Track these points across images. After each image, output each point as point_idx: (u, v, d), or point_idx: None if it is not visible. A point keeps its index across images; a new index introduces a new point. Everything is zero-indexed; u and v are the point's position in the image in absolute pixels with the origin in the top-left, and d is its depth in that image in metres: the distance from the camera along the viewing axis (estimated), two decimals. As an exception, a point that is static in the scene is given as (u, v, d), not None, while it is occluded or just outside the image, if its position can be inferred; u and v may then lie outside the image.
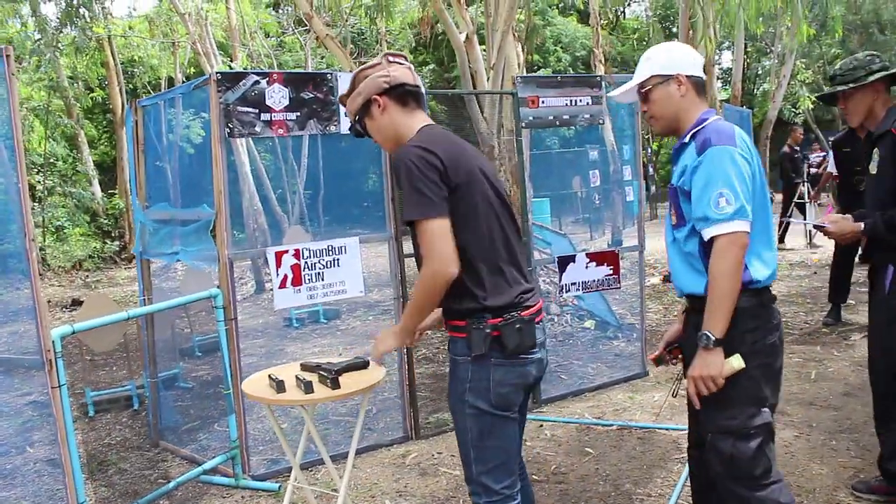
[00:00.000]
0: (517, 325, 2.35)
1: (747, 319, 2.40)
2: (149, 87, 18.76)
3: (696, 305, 2.52)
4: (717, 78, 13.36)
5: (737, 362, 2.37)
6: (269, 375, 3.09)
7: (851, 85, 3.43)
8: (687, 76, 2.52)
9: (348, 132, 2.68)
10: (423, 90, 2.53)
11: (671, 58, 2.55)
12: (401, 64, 2.50)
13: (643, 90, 2.59)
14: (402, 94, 2.46)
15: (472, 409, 2.39)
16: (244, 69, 11.70)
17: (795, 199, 11.69)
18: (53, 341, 3.12)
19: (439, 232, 2.25)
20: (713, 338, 2.34)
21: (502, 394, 2.36)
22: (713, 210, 2.31)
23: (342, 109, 4.42)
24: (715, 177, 2.32)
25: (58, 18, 12.21)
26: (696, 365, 2.40)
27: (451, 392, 2.47)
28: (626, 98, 2.73)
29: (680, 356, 2.79)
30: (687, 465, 4.02)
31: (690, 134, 2.48)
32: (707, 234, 2.35)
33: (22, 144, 3.08)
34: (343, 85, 4.41)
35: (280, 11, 19.06)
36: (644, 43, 24.42)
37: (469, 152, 2.44)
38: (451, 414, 2.54)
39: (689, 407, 2.63)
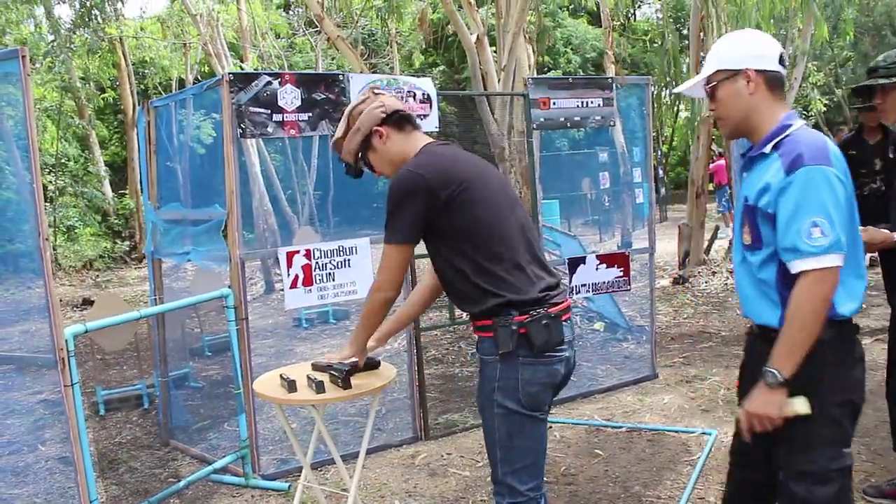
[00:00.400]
0: (544, 322, 2.34)
1: (829, 352, 2.14)
2: (160, 88, 18.83)
3: (767, 336, 2.25)
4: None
5: (802, 406, 2.11)
6: (281, 375, 3.09)
7: (895, 79, 3.21)
8: (757, 70, 2.21)
9: (346, 174, 2.70)
10: (411, 114, 2.62)
11: (739, 49, 2.26)
12: (385, 94, 2.59)
13: (709, 86, 2.31)
14: (399, 120, 2.52)
15: (500, 408, 2.38)
16: (255, 70, 11.75)
17: None
18: (66, 340, 3.14)
19: (396, 258, 2.43)
20: (780, 378, 2.08)
21: (531, 393, 2.36)
22: (804, 241, 2.03)
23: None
24: (808, 203, 2.04)
25: (71, 21, 12.28)
26: (754, 400, 2.15)
27: (480, 391, 2.47)
28: (694, 93, 2.46)
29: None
30: (696, 467, 4.03)
31: (773, 143, 2.18)
32: (795, 267, 2.07)
33: (37, 144, 3.10)
34: (356, 86, 4.43)
35: (291, 13, 19.13)
36: (655, 45, 24.37)
37: (468, 160, 2.48)
38: (479, 413, 2.54)
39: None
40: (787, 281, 2.13)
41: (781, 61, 2.25)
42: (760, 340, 2.31)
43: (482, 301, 2.38)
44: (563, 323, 2.42)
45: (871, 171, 5.23)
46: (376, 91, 2.56)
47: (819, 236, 2.02)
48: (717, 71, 2.26)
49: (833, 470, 2.15)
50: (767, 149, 2.18)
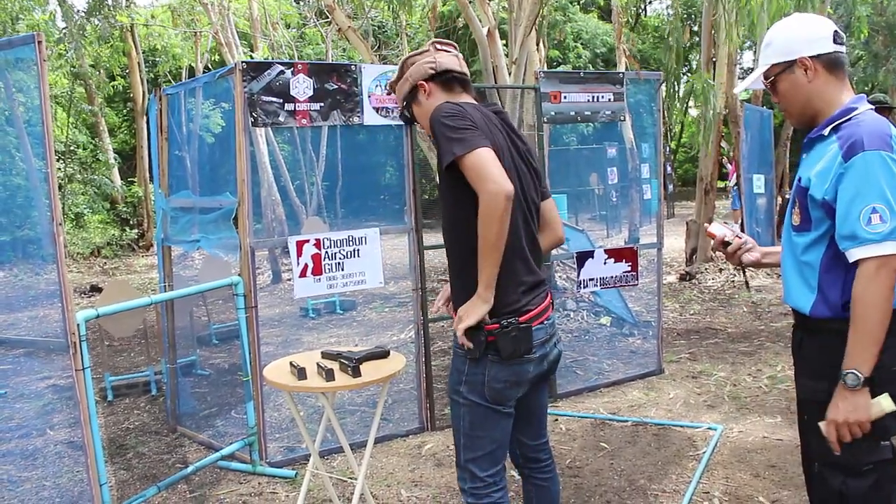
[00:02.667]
0: (512, 334, 2.31)
1: None
2: (170, 77, 18.85)
3: (800, 322, 2.26)
4: (739, 78, 13.27)
5: (887, 403, 2.01)
6: (291, 363, 3.12)
7: None
8: (812, 56, 2.14)
9: (398, 118, 2.71)
10: (469, 77, 2.55)
11: (789, 38, 2.18)
12: (448, 52, 2.52)
13: (768, 81, 2.25)
14: (448, 80, 2.49)
15: (465, 400, 2.41)
16: (265, 60, 11.75)
17: None
18: (78, 324, 3.16)
19: (486, 157, 2.18)
20: (861, 377, 1.98)
21: (497, 389, 2.37)
22: (863, 228, 1.97)
23: (366, 101, 4.45)
24: (867, 189, 1.98)
25: (85, 9, 12.28)
26: (840, 408, 2.03)
27: (450, 379, 2.51)
28: (757, 86, 2.38)
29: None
30: (701, 461, 4.04)
31: (833, 125, 2.12)
32: (853, 255, 2.00)
33: (51, 130, 3.12)
34: (367, 76, 4.44)
35: (301, 3, 19.10)
36: (665, 40, 24.29)
37: (502, 131, 2.41)
38: (448, 399, 2.57)
39: (800, 421, 2.33)
40: (830, 266, 2.10)
41: (837, 39, 2.16)
42: (798, 328, 2.29)
43: (465, 293, 2.33)
44: (535, 328, 2.38)
45: None
46: (437, 46, 2.53)
47: (878, 223, 1.96)
48: (773, 65, 2.21)
49: (869, 462, 2.08)
50: (826, 131, 2.13)
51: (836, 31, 2.17)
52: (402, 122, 4.52)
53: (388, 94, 4.49)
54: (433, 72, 2.48)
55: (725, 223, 2.58)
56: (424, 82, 2.48)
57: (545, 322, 2.44)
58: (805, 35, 2.16)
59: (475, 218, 2.20)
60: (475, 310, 2.27)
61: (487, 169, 2.15)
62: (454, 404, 2.48)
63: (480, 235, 2.18)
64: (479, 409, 2.40)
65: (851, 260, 2.02)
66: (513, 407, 2.45)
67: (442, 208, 2.43)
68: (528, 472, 2.71)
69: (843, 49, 2.18)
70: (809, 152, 2.21)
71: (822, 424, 2.11)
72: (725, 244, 2.52)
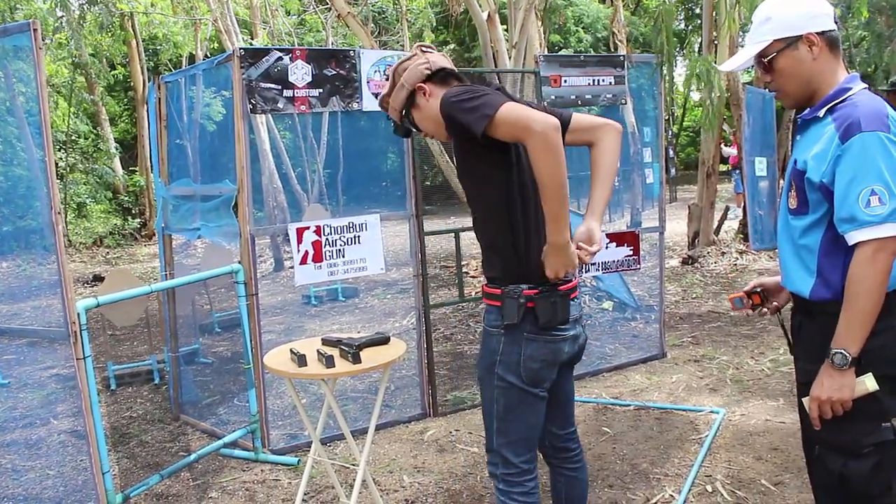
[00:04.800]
0: (552, 299, 2.32)
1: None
2: (170, 65, 18.80)
3: (800, 306, 2.25)
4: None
5: (871, 383, 2.03)
6: (291, 350, 3.12)
7: None
8: (819, 33, 2.08)
9: (395, 133, 2.64)
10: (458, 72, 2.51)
11: (794, 12, 2.10)
12: (434, 51, 2.50)
13: (766, 59, 2.16)
14: (444, 78, 2.45)
15: (501, 381, 2.37)
16: (264, 47, 11.71)
17: None
18: (78, 313, 3.16)
19: (515, 107, 2.12)
20: (849, 357, 2.00)
21: (533, 369, 2.34)
22: (862, 210, 1.95)
23: (365, 86, 4.42)
24: (865, 171, 1.95)
25: (87, 1, 12.25)
26: (825, 386, 2.06)
27: (480, 363, 2.46)
28: (741, 67, 2.31)
29: (758, 303, 2.47)
30: (703, 445, 4.04)
31: (828, 107, 2.09)
32: (852, 238, 1.99)
33: (49, 119, 3.11)
34: (366, 62, 4.41)
35: (301, -11, 19.01)
36: (656, 23, 24.14)
37: None
38: (478, 383, 2.53)
39: (800, 404, 2.28)
40: (829, 250, 2.09)
41: (835, 17, 2.13)
42: (797, 311, 2.27)
43: (500, 264, 2.34)
44: (571, 302, 2.41)
45: None
46: (423, 49, 2.50)
47: (877, 205, 1.94)
48: (775, 41, 2.12)
49: (868, 444, 2.08)
50: (821, 112, 2.10)
51: (833, 12, 2.14)
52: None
53: (387, 79, 4.47)
54: (429, 72, 2.43)
55: (740, 294, 2.48)
56: (423, 84, 2.43)
57: (576, 300, 2.45)
58: (809, 10, 2.10)
59: (504, 194, 2.28)
60: (561, 257, 2.23)
61: (523, 114, 2.10)
62: (486, 387, 2.44)
63: (543, 177, 2.12)
64: (514, 391, 2.37)
65: (851, 243, 2.00)
66: (547, 390, 2.43)
67: (468, 192, 2.43)
68: (557, 463, 2.67)
69: (838, 31, 2.13)
70: (804, 134, 2.17)
71: (805, 400, 2.14)
72: (754, 306, 2.49)
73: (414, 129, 2.56)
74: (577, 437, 2.70)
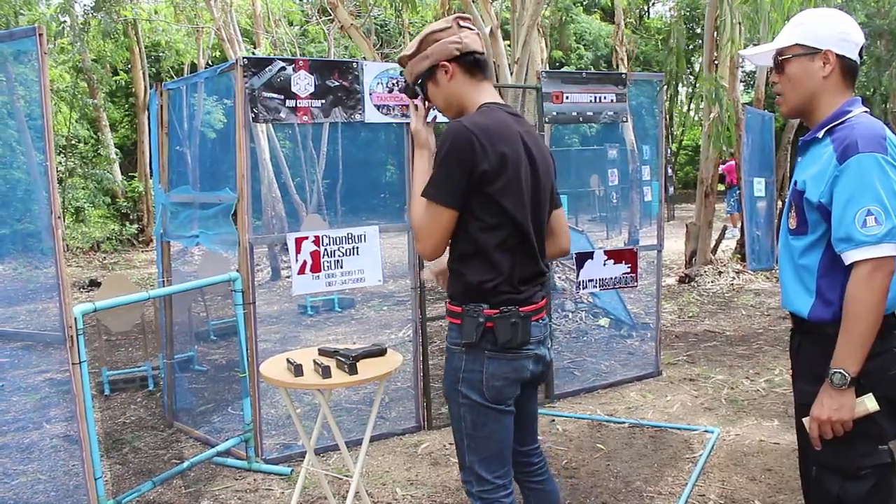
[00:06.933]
0: (512, 320, 2.29)
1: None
2: (172, 72, 18.84)
3: (798, 326, 2.26)
4: (741, 81, 13.28)
5: (871, 403, 2.04)
6: (288, 359, 3.11)
7: None
8: (838, 55, 2.12)
9: (401, 92, 2.58)
10: (487, 59, 2.45)
11: (826, 28, 2.14)
12: (471, 29, 2.41)
13: (781, 58, 2.20)
14: (472, 63, 2.38)
15: (465, 399, 2.35)
16: (266, 56, 11.74)
17: None
18: (76, 318, 3.15)
19: (443, 221, 2.26)
20: (849, 377, 2.00)
21: (496, 387, 2.32)
22: (859, 230, 1.97)
23: (367, 98, 4.43)
24: (862, 191, 1.98)
25: (91, 4, 12.30)
26: (824, 406, 2.06)
27: (445, 379, 2.44)
28: (760, 60, 2.34)
29: None
30: (697, 464, 4.04)
31: (827, 128, 2.12)
32: (849, 257, 2.01)
33: (51, 123, 3.11)
34: (369, 74, 4.43)
35: (304, 0, 19.09)
36: (666, 43, 24.28)
37: (518, 138, 2.34)
38: (445, 399, 2.51)
39: (798, 425, 2.30)
40: (828, 270, 2.10)
41: (861, 54, 2.17)
42: (796, 332, 2.28)
43: (464, 284, 2.33)
44: (533, 323, 2.36)
45: None
46: (462, 24, 2.40)
47: (874, 225, 1.96)
48: (796, 45, 2.16)
49: (866, 467, 2.09)
50: (821, 134, 2.13)
51: (863, 47, 2.19)
52: (404, 121, 4.52)
53: (390, 91, 4.49)
54: (458, 53, 2.35)
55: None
56: (448, 62, 2.36)
57: (541, 321, 2.41)
58: (840, 32, 2.14)
59: (473, 223, 2.29)
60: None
61: (435, 231, 2.27)
62: (452, 404, 2.42)
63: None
64: (479, 409, 2.34)
65: (847, 262, 2.02)
66: (513, 404, 2.40)
67: None
68: (522, 478, 2.65)
69: (858, 61, 2.17)
70: (804, 155, 2.21)
71: (805, 420, 2.14)
72: None
73: (422, 96, 2.49)
74: (541, 451, 2.68)
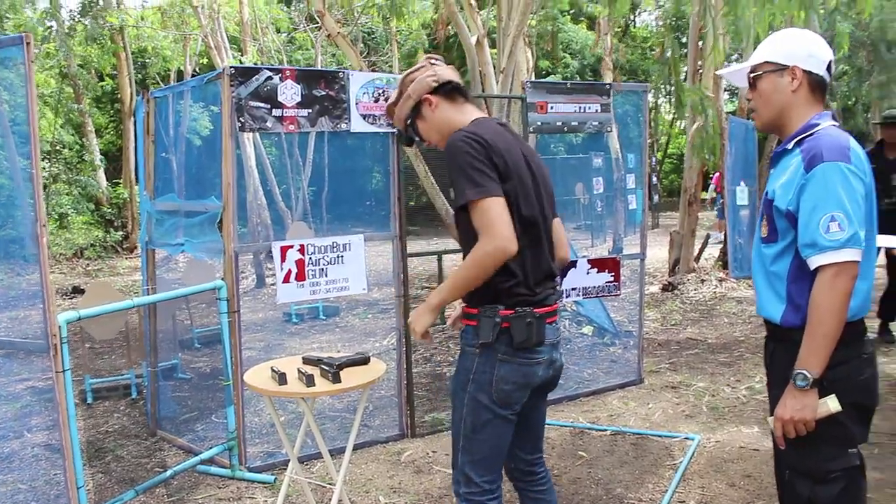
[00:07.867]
0: (527, 320, 2.36)
1: (835, 350, 2.09)
2: (158, 79, 18.79)
3: (771, 332, 2.35)
4: (725, 90, 13.41)
5: (833, 404, 2.10)
6: (272, 368, 3.13)
7: None
8: (804, 70, 2.22)
9: (400, 143, 2.72)
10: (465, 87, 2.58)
11: (792, 46, 2.25)
12: (443, 64, 2.56)
13: (752, 75, 2.31)
14: (451, 91, 2.52)
15: (471, 400, 2.41)
16: (255, 64, 11.75)
17: None
18: (59, 326, 3.16)
19: (500, 210, 2.25)
20: (811, 378, 2.07)
21: (505, 390, 2.38)
22: (823, 236, 2.05)
23: (353, 108, 4.46)
24: (826, 198, 2.06)
25: (79, 10, 12.28)
26: (787, 406, 2.14)
27: (455, 379, 2.51)
28: (735, 79, 2.45)
29: None
30: (678, 471, 4.08)
31: (796, 140, 2.22)
32: (814, 262, 2.08)
33: (37, 130, 3.12)
34: (355, 83, 4.46)
35: (292, 7, 19.11)
36: (653, 52, 24.42)
37: (516, 146, 2.45)
38: (450, 398, 2.57)
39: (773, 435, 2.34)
40: (797, 276, 2.17)
41: (829, 69, 2.27)
42: (770, 338, 2.36)
43: (482, 285, 2.36)
44: (548, 325, 2.44)
45: (889, 187, 5.33)
46: (432, 61, 2.56)
47: (837, 230, 2.04)
48: (766, 62, 2.27)
49: (835, 470, 2.16)
50: (790, 145, 2.23)
51: (831, 62, 2.28)
52: (390, 131, 4.55)
53: (376, 101, 4.51)
54: (436, 84, 2.50)
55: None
56: (429, 95, 2.50)
57: (554, 324, 2.49)
58: (808, 50, 2.24)
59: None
60: (426, 316, 2.43)
61: (499, 222, 2.23)
62: (457, 404, 2.48)
63: (459, 272, 2.31)
64: (483, 411, 2.41)
65: (812, 267, 2.10)
66: (516, 414, 2.46)
67: (460, 230, 2.48)
68: (524, 486, 2.71)
69: (828, 78, 2.27)
70: (776, 166, 2.30)
71: (769, 419, 2.22)
72: None
73: (417, 139, 2.62)
74: (544, 461, 2.74)
